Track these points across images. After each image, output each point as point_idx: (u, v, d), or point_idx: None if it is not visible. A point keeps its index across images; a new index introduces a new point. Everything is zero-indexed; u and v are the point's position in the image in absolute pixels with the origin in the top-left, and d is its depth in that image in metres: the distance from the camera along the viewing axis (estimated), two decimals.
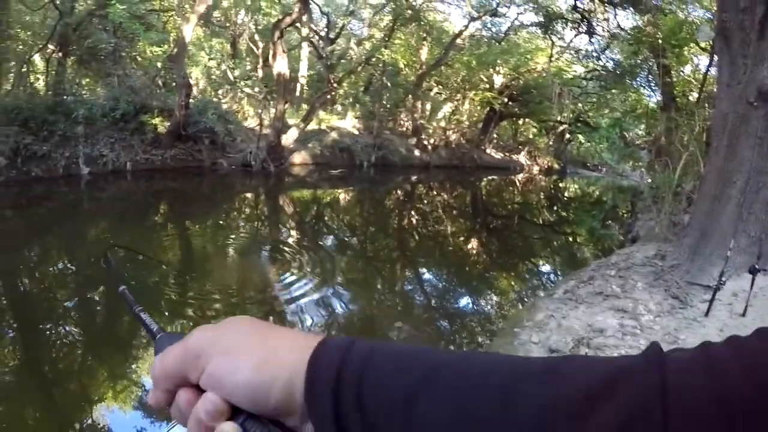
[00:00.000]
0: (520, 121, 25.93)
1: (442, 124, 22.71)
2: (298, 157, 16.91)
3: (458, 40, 19.75)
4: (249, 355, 0.44)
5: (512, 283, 7.76)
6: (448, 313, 6.09)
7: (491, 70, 21.51)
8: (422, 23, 19.50)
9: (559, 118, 21.96)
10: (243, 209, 12.00)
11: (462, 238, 10.61)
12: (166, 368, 0.46)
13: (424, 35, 20.35)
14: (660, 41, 12.93)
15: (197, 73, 17.15)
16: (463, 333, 5.47)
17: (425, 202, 14.92)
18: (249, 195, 13.64)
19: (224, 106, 16.65)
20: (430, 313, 6.04)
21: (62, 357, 4.30)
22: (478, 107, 23.22)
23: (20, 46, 14.84)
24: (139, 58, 16.25)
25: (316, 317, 5.31)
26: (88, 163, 12.08)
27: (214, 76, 18.64)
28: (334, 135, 18.55)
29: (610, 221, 13.18)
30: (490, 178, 21.19)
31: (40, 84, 15.05)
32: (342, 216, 12.04)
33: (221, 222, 10.16)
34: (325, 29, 20.07)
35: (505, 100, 21.63)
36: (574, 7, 17.01)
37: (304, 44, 21.24)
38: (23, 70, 14.46)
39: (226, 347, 0.44)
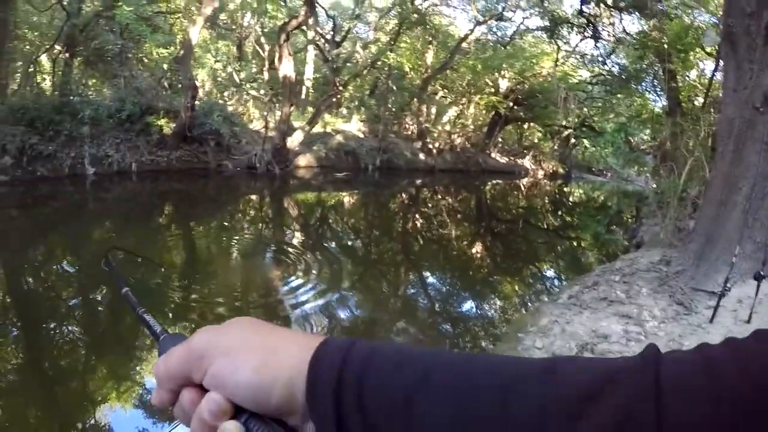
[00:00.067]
0: (526, 126, 25.89)
1: (447, 127, 22.69)
2: (303, 160, 16.93)
3: (464, 44, 19.77)
4: (251, 355, 0.44)
5: (516, 287, 7.73)
6: (452, 317, 6.08)
7: (497, 74, 21.49)
8: (428, 27, 19.50)
9: (564, 123, 21.94)
10: (248, 211, 12.02)
11: (466, 242, 10.59)
12: (169, 369, 0.46)
13: (430, 39, 20.35)
14: (666, 46, 12.90)
15: (203, 75, 17.22)
16: (467, 337, 5.46)
17: (430, 205, 14.91)
18: (254, 197, 13.66)
19: (230, 109, 16.69)
20: (434, 317, 6.03)
21: (65, 356, 4.32)
22: (484, 111, 23.22)
23: (27, 47, 14.96)
24: (146, 60, 16.32)
25: (320, 320, 5.30)
26: (94, 164, 12.13)
27: (220, 79, 18.69)
28: (339, 138, 18.57)
29: (614, 226, 13.12)
30: (494, 182, 21.17)
31: (47, 84, 15.15)
32: (346, 219, 12.06)
33: (226, 224, 10.18)
34: (331, 32, 20.13)
35: (511, 104, 21.60)
36: (580, 12, 16.99)
37: (310, 47, 21.26)
38: (30, 70, 14.56)
39: (228, 348, 0.45)
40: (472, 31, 19.73)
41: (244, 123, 16.93)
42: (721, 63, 7.48)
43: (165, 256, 7.35)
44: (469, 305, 6.84)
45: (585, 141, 23.54)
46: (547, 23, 18.52)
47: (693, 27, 13.13)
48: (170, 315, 5.09)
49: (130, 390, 3.87)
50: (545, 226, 13.68)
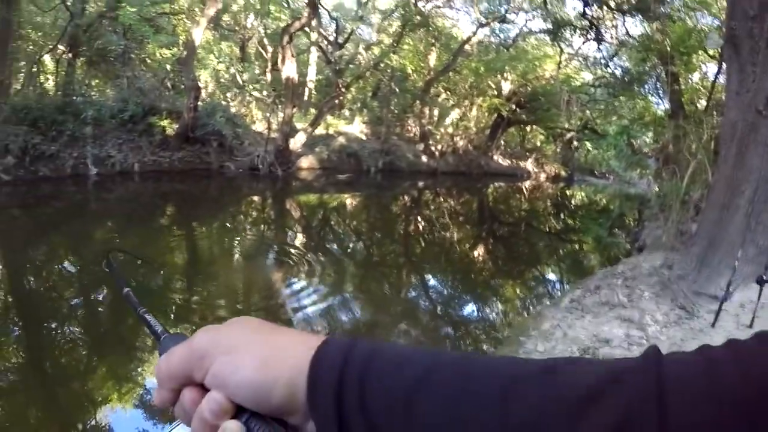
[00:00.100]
0: (528, 128, 25.89)
1: (450, 130, 22.69)
2: (306, 162, 16.95)
3: (466, 47, 19.78)
4: (252, 354, 0.44)
5: (518, 291, 7.72)
6: (453, 321, 6.07)
7: (499, 76, 21.51)
8: (431, 29, 19.53)
9: (566, 126, 21.96)
10: (250, 212, 12.03)
11: (468, 245, 10.59)
12: (171, 368, 0.46)
13: (433, 41, 20.37)
14: (668, 49, 12.91)
15: (206, 76, 17.22)
16: (468, 340, 5.45)
17: (432, 208, 14.91)
18: (256, 198, 13.67)
19: (232, 110, 16.73)
20: (435, 320, 6.03)
21: (66, 356, 4.32)
22: (486, 114, 23.22)
23: (30, 47, 14.99)
24: (149, 61, 16.37)
25: (322, 323, 5.29)
26: (96, 164, 12.16)
27: (222, 80, 18.70)
28: (341, 140, 18.59)
29: (616, 229, 13.12)
30: (497, 184, 21.17)
31: (50, 84, 15.19)
32: (348, 221, 12.05)
33: (228, 225, 10.19)
34: (334, 34, 20.14)
35: (513, 106, 21.60)
36: (583, 14, 16.98)
37: (313, 49, 21.32)
38: (33, 70, 14.60)
39: (229, 347, 0.45)
40: (474, 33, 19.74)
41: (247, 124, 16.96)
42: (724, 66, 7.46)
43: (167, 257, 7.36)
44: (470, 308, 6.83)
45: (587, 144, 23.57)
46: (549, 26, 18.54)
47: (696, 30, 13.14)
48: (171, 317, 5.08)
49: (131, 390, 3.87)
50: (547, 229, 13.66)
